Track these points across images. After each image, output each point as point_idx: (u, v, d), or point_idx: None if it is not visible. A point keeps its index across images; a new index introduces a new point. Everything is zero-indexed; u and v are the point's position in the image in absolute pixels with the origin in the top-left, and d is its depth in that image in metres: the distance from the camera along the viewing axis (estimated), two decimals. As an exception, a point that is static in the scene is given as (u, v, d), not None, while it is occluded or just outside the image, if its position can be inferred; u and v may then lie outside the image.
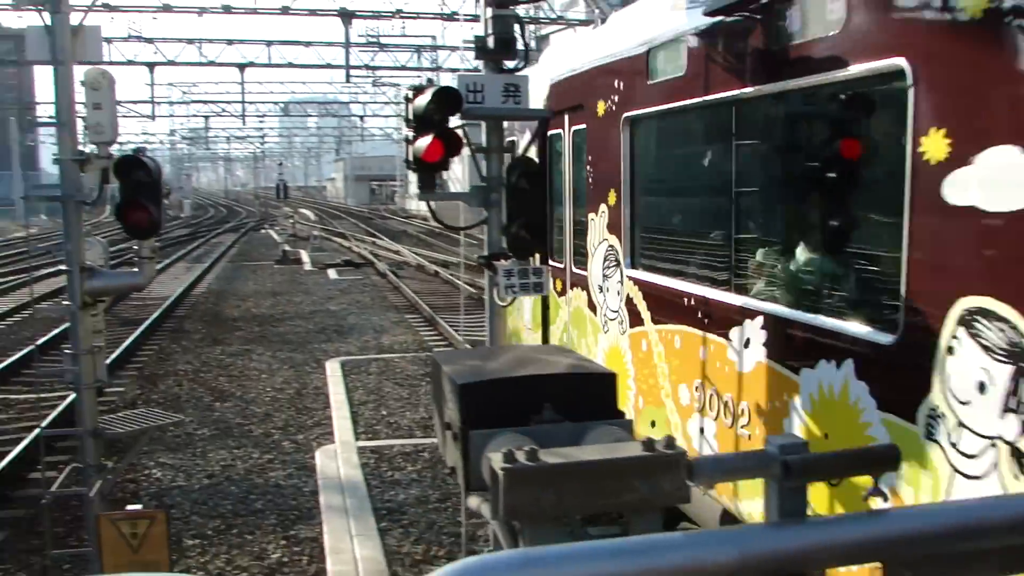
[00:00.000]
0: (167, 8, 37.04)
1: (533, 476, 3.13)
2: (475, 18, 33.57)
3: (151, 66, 47.48)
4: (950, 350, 4.27)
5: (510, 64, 6.22)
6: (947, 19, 4.26)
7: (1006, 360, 3.98)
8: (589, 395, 4.08)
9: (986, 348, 4.08)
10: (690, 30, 6.27)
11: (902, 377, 4.61)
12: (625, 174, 7.48)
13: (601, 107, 7.32)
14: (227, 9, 37.32)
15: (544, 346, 6.04)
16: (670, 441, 3.29)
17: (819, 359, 5.19)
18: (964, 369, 4.19)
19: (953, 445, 4.29)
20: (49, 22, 6.38)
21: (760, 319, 5.81)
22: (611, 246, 7.61)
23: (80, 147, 6.73)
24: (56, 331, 19.24)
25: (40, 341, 14.99)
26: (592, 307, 8.21)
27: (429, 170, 6.18)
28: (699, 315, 6.56)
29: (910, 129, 4.48)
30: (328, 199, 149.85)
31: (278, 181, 50.20)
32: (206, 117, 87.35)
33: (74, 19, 6.61)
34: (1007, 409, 3.96)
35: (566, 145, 8.46)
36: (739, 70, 5.94)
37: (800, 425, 5.42)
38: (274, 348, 19.83)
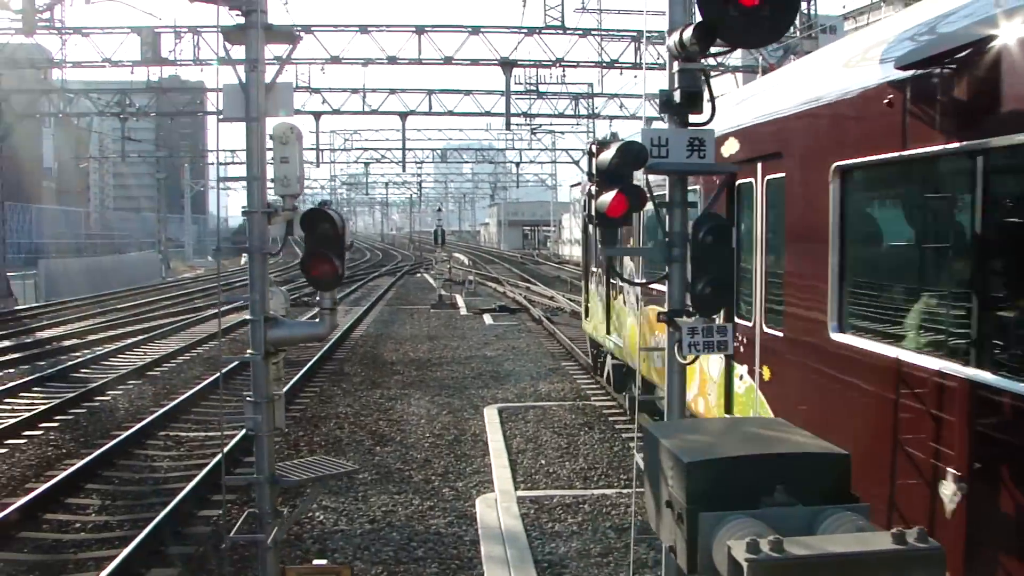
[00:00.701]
0: (335, 60, 38.31)
1: (779, 569, 2.93)
2: (635, 66, 33.44)
3: (317, 115, 49.18)
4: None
5: (696, 118, 6.08)
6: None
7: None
8: (822, 477, 3.79)
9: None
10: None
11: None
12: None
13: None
14: (392, 60, 38.34)
15: (760, 419, 5.83)
16: (922, 534, 3.04)
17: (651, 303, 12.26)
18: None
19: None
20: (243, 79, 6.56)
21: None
22: None
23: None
24: (222, 371, 19.91)
25: (225, 370, 15.45)
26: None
27: (612, 225, 6.09)
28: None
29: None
30: (481, 244, 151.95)
31: (436, 227, 51.08)
32: (366, 163, 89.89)
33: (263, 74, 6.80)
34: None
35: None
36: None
37: (654, 334, 12.61)
38: (432, 393, 20.00)
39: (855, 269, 7.37)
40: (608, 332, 17.71)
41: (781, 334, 8.46)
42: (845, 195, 7.28)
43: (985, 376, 5.40)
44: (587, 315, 20.54)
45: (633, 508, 9.92)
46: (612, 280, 17.13)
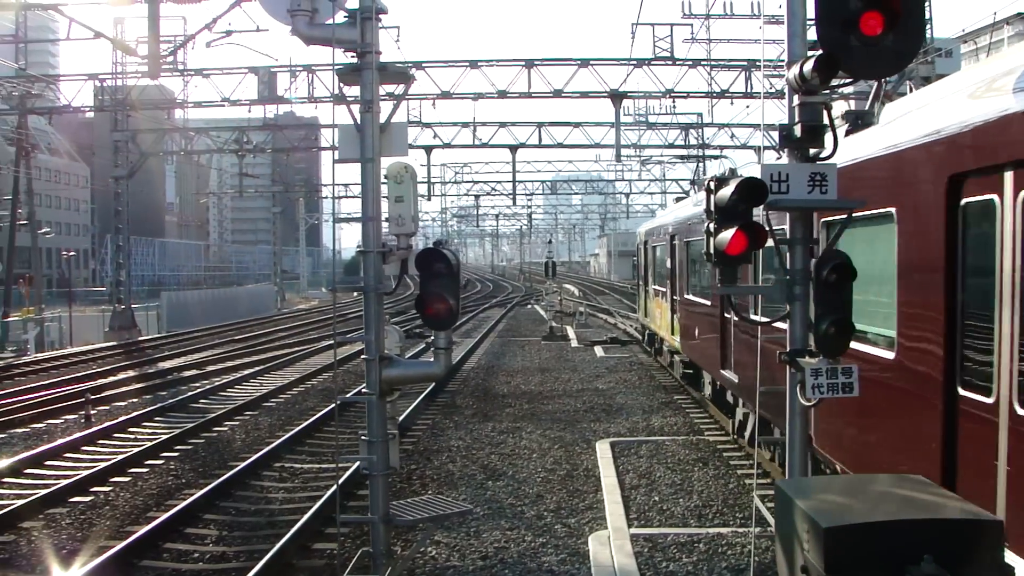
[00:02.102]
0: (446, 95, 38.81)
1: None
2: (746, 95, 33.09)
3: (428, 149, 49.88)
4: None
5: (817, 152, 5.90)
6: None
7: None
8: (972, 545, 3.50)
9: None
10: None
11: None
12: None
13: None
14: (502, 94, 38.65)
15: (897, 476, 5.44)
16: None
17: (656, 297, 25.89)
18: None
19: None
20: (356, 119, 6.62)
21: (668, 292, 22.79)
22: None
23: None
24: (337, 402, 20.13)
25: (337, 403, 15.61)
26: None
27: (732, 263, 5.93)
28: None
29: None
30: (591, 274, 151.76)
31: (547, 259, 51.18)
32: (476, 196, 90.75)
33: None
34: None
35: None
36: None
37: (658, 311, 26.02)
38: (543, 426, 19.87)
39: None
40: (646, 316, 31.67)
41: None
42: None
43: None
44: (639, 309, 34.92)
45: (752, 549, 9.66)
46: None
